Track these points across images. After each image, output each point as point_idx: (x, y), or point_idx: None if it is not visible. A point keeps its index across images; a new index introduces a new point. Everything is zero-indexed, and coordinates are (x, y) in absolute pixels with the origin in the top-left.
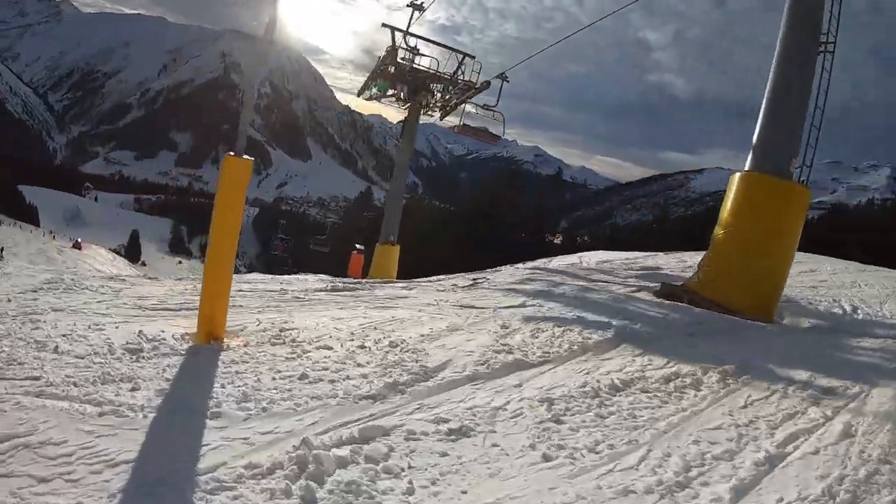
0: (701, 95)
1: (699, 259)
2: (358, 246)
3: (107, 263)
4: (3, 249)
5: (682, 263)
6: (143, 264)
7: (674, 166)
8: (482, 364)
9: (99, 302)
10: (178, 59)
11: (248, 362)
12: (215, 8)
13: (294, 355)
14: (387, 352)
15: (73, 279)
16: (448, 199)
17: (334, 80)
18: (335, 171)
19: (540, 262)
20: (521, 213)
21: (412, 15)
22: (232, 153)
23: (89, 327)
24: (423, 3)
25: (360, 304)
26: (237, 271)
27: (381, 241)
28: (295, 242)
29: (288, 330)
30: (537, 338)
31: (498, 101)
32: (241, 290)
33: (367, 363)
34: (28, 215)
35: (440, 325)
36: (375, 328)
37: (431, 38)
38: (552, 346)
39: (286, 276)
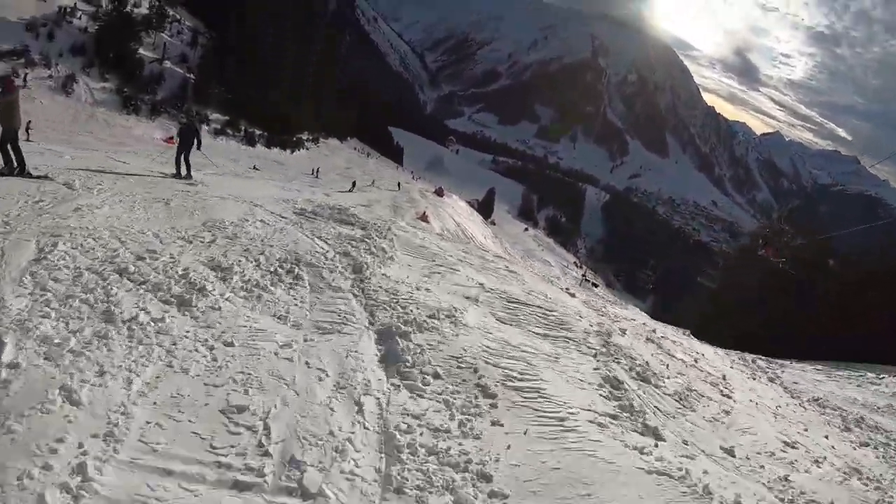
0: None
1: None
2: None
3: (464, 216)
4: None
5: None
6: (493, 223)
7: None
8: None
9: None
10: (549, 36)
11: None
12: None
13: None
14: None
15: None
16: (804, 230)
17: (701, 78)
18: (691, 173)
19: None
20: None
21: None
22: None
23: None
24: None
25: None
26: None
27: None
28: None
29: None
30: None
31: None
32: None
33: None
34: (394, 154)
35: None
36: None
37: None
38: None
39: None
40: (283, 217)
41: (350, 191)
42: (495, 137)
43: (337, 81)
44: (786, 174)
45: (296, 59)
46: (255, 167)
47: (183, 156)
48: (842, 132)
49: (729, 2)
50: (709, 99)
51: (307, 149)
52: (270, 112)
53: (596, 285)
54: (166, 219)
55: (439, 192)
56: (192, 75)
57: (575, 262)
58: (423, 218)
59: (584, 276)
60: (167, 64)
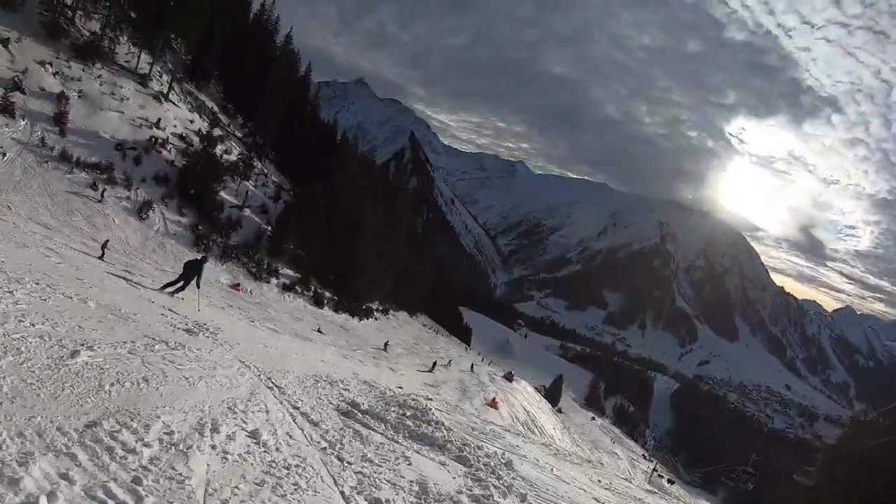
0: None
1: None
2: None
3: (533, 403)
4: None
5: None
6: (560, 411)
7: None
8: None
9: None
10: (617, 223)
11: None
12: (654, 179)
13: None
14: None
15: None
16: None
17: (768, 258)
18: (761, 356)
19: None
20: None
21: None
22: None
23: None
24: None
25: None
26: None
27: None
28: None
29: None
30: None
31: None
32: None
33: None
34: (463, 334)
35: None
36: None
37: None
38: None
39: None
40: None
41: (430, 371)
42: (564, 323)
43: (414, 258)
44: (860, 350)
45: (373, 228)
46: (319, 329)
47: (182, 283)
48: None
49: (792, 179)
50: (777, 279)
51: (376, 318)
52: (343, 277)
53: (672, 481)
54: None
55: (508, 377)
56: (269, 226)
57: (644, 455)
58: (493, 404)
59: (654, 469)
60: (247, 212)
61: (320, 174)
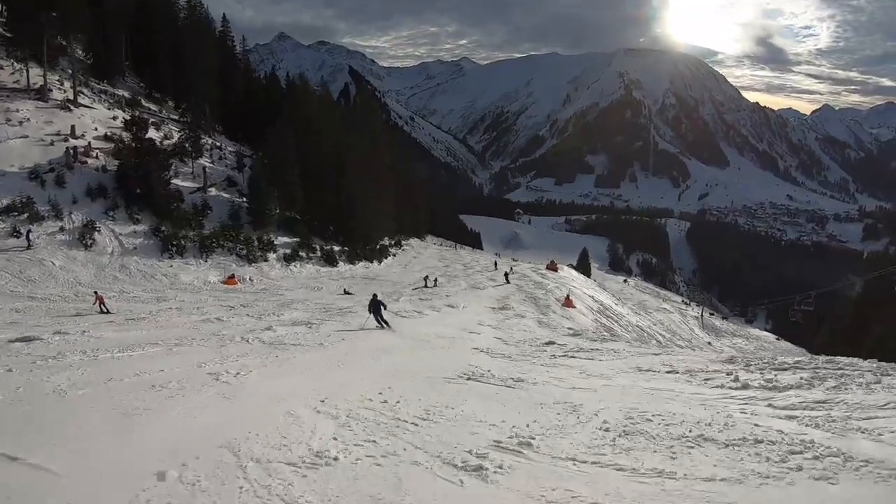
0: None
1: None
2: None
3: (586, 286)
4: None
5: None
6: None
7: None
8: None
9: None
10: (578, 87)
11: None
12: (601, 34)
13: None
14: None
15: None
16: (887, 196)
17: (734, 79)
18: (756, 175)
19: None
20: None
21: None
22: None
23: None
24: None
25: None
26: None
27: None
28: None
29: None
30: None
31: None
32: None
33: None
34: (472, 240)
35: None
36: None
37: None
38: None
39: None
40: None
41: (507, 282)
42: (558, 199)
43: (403, 181)
44: (848, 144)
45: (355, 162)
46: (346, 291)
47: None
48: (886, 81)
49: None
50: (750, 97)
51: (394, 255)
52: (344, 224)
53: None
54: None
55: (553, 268)
56: (243, 199)
57: (684, 301)
58: (569, 303)
59: (702, 314)
60: (212, 191)
61: (273, 127)
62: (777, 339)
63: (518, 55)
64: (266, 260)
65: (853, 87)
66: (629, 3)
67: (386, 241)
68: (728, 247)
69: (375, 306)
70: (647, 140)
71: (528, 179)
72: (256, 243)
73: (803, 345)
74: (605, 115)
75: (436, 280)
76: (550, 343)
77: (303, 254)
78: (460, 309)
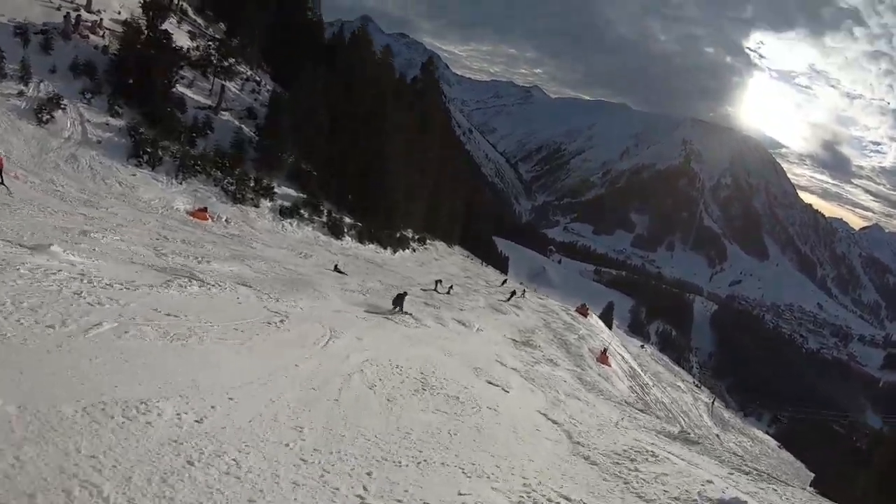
0: None
1: None
2: None
3: (611, 341)
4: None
5: None
6: None
7: None
8: None
9: None
10: (639, 143)
11: None
12: (675, 97)
13: None
14: None
15: None
16: None
17: (793, 175)
18: (792, 276)
19: None
20: None
21: None
22: None
23: None
24: None
25: None
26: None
27: None
28: None
29: None
30: None
31: None
32: None
33: None
34: (500, 263)
35: None
36: None
37: None
38: None
39: None
40: None
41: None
42: (593, 247)
43: (448, 181)
44: (890, 269)
45: (400, 135)
46: (337, 268)
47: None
48: None
49: (814, 94)
50: (804, 197)
51: (413, 250)
52: (367, 198)
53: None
54: None
55: (583, 312)
56: (255, 132)
57: (695, 384)
58: (604, 360)
59: (713, 402)
60: (225, 116)
61: (331, 85)
62: (779, 446)
63: (587, 98)
64: (256, 205)
65: None
66: (706, 75)
67: (409, 234)
68: (750, 339)
69: (399, 300)
70: (693, 213)
71: (567, 220)
72: (252, 183)
73: (803, 460)
74: (659, 178)
75: (450, 288)
76: (637, 444)
77: (304, 213)
78: (473, 330)
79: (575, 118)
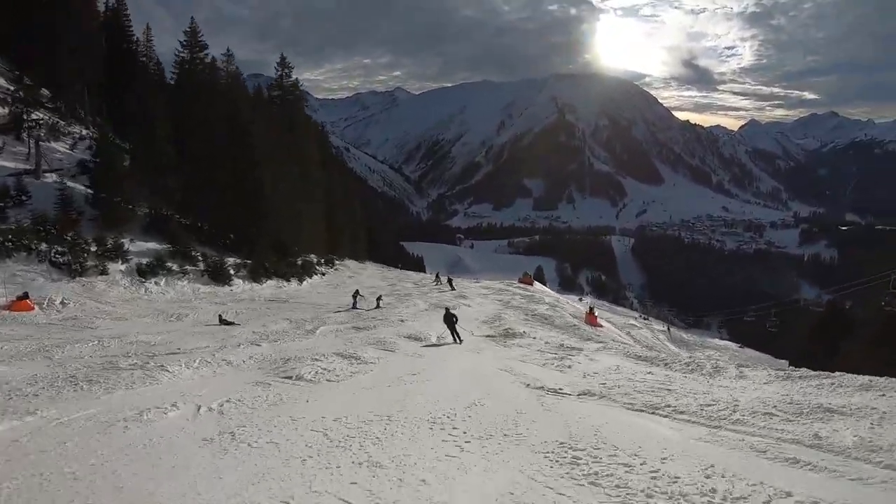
0: None
1: None
2: None
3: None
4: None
5: None
6: None
7: None
8: None
9: None
10: (512, 114)
11: None
12: (534, 60)
13: None
14: None
15: None
16: (818, 202)
17: (663, 99)
18: (691, 189)
19: None
20: None
21: None
22: None
23: None
24: None
25: None
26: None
27: None
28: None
29: None
30: None
31: None
32: None
33: None
34: (416, 265)
35: None
36: None
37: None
38: None
39: None
40: None
41: (452, 289)
42: (498, 223)
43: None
44: (777, 155)
45: (278, 163)
46: (222, 319)
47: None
48: (808, 94)
49: (661, 21)
50: (679, 116)
51: (322, 274)
52: (253, 232)
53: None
54: None
55: (528, 281)
56: (88, 187)
57: (642, 317)
58: (594, 321)
59: (668, 328)
60: (50, 178)
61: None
62: (740, 346)
63: (450, 85)
64: (104, 272)
65: (777, 101)
66: (558, 31)
67: (313, 259)
68: (673, 259)
69: (449, 319)
70: (582, 162)
71: (465, 206)
72: (93, 247)
73: (768, 352)
74: (539, 139)
75: (379, 299)
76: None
77: (173, 265)
78: (437, 345)
79: (443, 108)
